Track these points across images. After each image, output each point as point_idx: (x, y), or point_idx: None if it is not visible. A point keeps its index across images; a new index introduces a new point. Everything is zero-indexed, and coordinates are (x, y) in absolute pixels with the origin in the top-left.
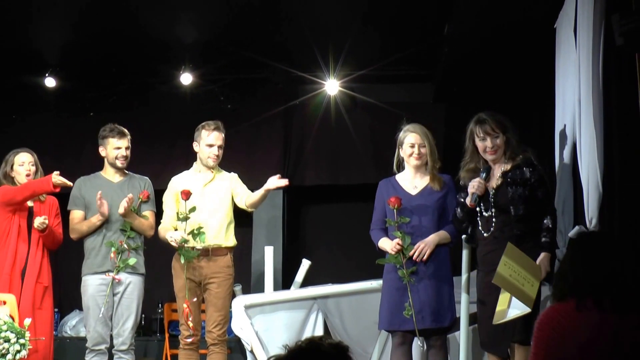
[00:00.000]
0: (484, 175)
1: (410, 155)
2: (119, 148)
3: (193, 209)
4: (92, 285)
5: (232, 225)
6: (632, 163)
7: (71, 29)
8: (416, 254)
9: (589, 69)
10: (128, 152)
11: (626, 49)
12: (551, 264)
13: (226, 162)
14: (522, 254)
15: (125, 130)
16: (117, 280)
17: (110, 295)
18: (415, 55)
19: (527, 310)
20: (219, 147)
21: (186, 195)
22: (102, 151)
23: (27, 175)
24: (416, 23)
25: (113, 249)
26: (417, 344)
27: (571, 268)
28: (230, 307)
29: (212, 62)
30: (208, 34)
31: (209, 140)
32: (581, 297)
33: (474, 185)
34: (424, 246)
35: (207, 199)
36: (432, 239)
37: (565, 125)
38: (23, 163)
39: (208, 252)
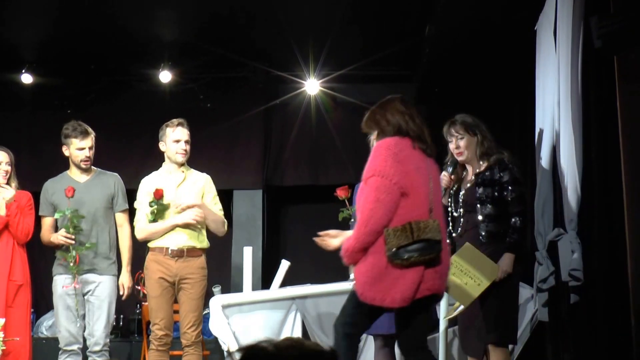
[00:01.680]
0: (450, 169)
1: None
2: (81, 149)
3: (167, 207)
4: (61, 285)
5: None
6: (610, 165)
7: (49, 25)
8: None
9: (568, 72)
10: (92, 152)
11: (604, 52)
12: (522, 264)
13: (205, 161)
14: (481, 255)
15: (89, 129)
16: (77, 287)
17: (80, 295)
18: (396, 55)
19: (461, 308)
20: (186, 142)
21: (159, 195)
22: (65, 151)
23: (4, 176)
24: (397, 23)
25: (69, 260)
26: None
27: None
28: (207, 307)
29: (191, 61)
30: (187, 32)
31: (175, 136)
32: None
33: (440, 179)
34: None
35: (180, 199)
36: None
37: (544, 127)
38: (0, 162)
39: (182, 253)
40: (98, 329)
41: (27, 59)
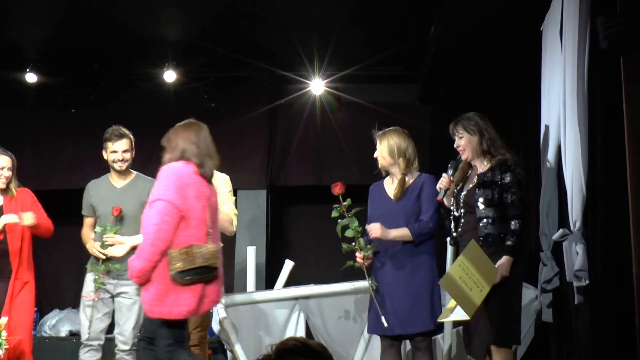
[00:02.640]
0: (451, 171)
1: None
2: (115, 152)
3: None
4: (90, 282)
5: None
6: (615, 166)
7: (53, 24)
8: (370, 231)
9: (574, 72)
10: (126, 154)
11: (610, 52)
12: (526, 265)
13: None
14: (483, 254)
15: (125, 132)
16: (96, 300)
17: (107, 299)
18: (401, 55)
19: (466, 317)
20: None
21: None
22: (104, 154)
23: (4, 182)
24: (402, 23)
25: (95, 272)
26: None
27: None
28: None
29: (196, 60)
30: (191, 31)
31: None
32: None
33: (440, 181)
34: (378, 229)
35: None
36: (390, 231)
37: (550, 127)
38: (3, 167)
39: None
40: (127, 329)
41: (30, 57)
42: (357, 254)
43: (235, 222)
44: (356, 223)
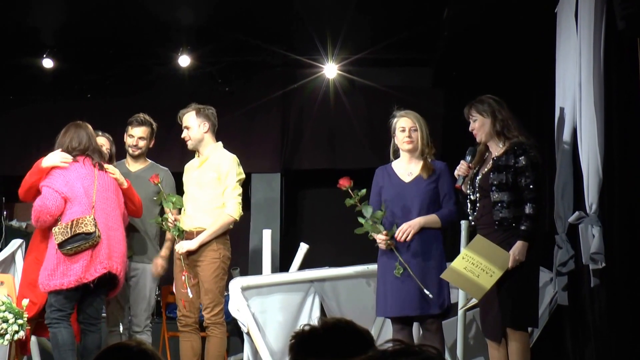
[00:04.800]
0: (469, 157)
1: (402, 139)
2: (131, 136)
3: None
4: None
5: (218, 209)
6: (632, 148)
7: (69, 10)
8: (400, 234)
9: (590, 53)
10: (141, 142)
11: (627, 33)
12: (542, 247)
13: (223, 144)
14: (491, 244)
15: (147, 120)
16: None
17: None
18: (414, 38)
19: (474, 301)
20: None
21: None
22: (125, 137)
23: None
24: (415, 6)
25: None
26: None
27: None
28: (227, 289)
29: (210, 45)
30: (206, 16)
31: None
32: None
33: (459, 168)
34: (408, 227)
35: (194, 182)
36: (418, 221)
37: (565, 110)
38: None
39: (192, 236)
40: (139, 311)
41: (47, 43)
42: (380, 236)
43: (234, 209)
44: (371, 210)
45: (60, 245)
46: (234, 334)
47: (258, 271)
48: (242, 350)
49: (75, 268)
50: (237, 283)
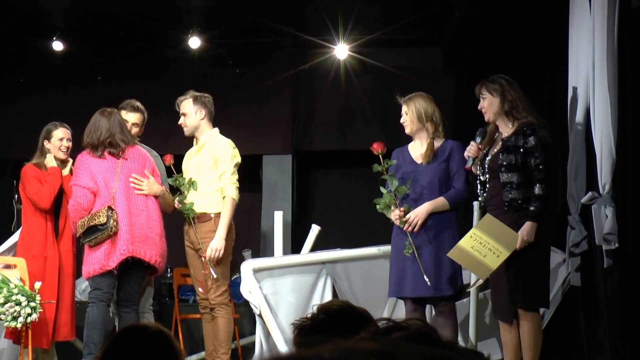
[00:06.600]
0: (479, 139)
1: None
2: (125, 121)
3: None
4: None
5: (216, 193)
6: None
7: None
8: (407, 226)
9: (604, 32)
10: (135, 128)
11: None
12: (553, 227)
13: (234, 126)
14: (501, 225)
15: (140, 107)
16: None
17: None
18: (426, 19)
19: (480, 281)
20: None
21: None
22: None
23: (65, 153)
24: None
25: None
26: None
27: None
28: (238, 272)
29: (220, 26)
30: None
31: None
32: None
33: (468, 149)
34: (415, 217)
35: (193, 168)
36: (424, 208)
37: (578, 90)
38: (62, 139)
39: (194, 219)
40: (143, 293)
41: (57, 25)
42: (397, 211)
43: (234, 192)
44: (396, 183)
45: (81, 238)
46: (246, 315)
47: (270, 253)
48: (254, 332)
49: (98, 257)
50: (249, 265)
